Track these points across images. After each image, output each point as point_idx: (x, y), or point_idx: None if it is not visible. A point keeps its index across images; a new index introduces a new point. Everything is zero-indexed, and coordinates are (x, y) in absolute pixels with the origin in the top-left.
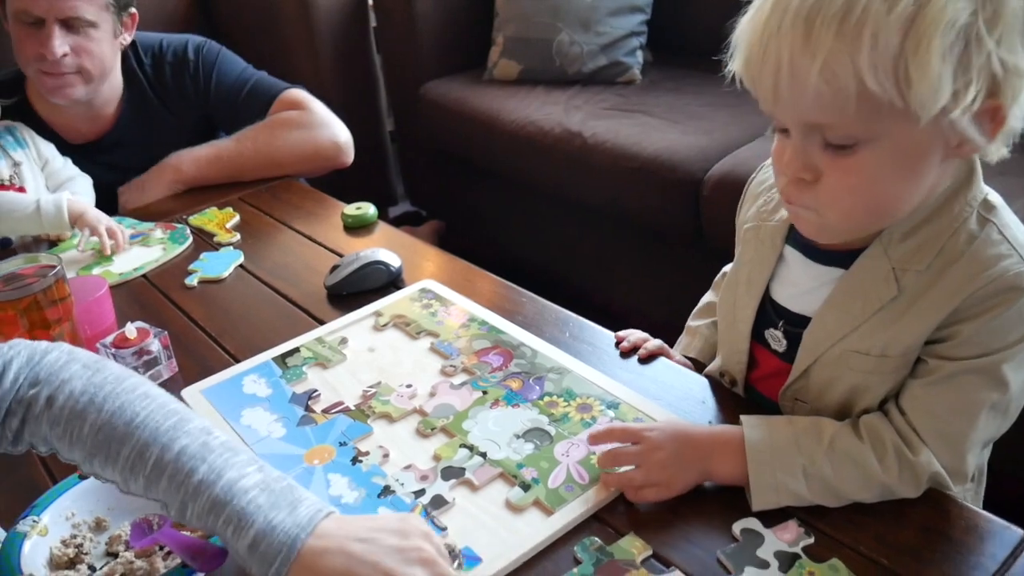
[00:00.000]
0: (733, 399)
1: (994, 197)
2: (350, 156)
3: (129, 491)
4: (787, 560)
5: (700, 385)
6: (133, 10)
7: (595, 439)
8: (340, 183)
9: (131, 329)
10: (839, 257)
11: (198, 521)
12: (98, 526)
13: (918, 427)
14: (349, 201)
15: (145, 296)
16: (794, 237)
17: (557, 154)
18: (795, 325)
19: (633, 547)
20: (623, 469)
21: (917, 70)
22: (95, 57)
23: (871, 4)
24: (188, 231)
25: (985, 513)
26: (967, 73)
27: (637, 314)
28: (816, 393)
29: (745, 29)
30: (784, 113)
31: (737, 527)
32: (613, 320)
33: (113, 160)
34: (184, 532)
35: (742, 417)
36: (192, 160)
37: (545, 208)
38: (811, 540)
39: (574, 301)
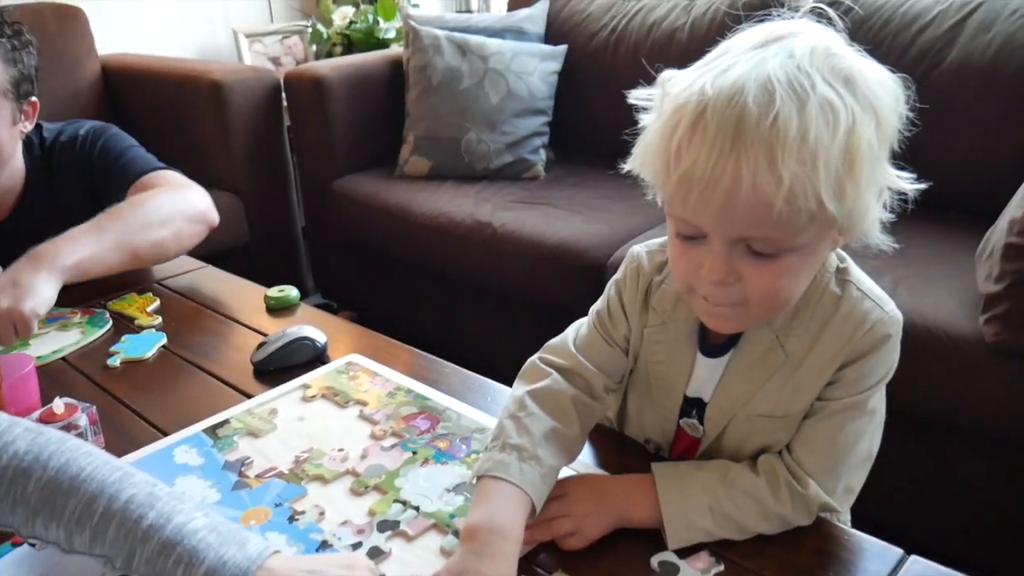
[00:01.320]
0: (643, 452)
1: (845, 260)
2: (215, 215)
3: (73, 549)
4: None
5: (617, 443)
6: (34, 99)
7: None
8: (251, 276)
9: (59, 404)
10: (727, 345)
11: (147, 566)
12: None
13: (803, 463)
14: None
15: (66, 377)
16: (700, 336)
17: (468, 243)
18: (704, 410)
19: None
20: None
21: (854, 191)
22: None
23: (819, 132)
24: (107, 315)
25: (867, 536)
26: (879, 189)
27: None
28: (729, 456)
29: (672, 139)
30: (718, 226)
31: (655, 560)
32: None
33: (15, 249)
34: None
35: (653, 465)
36: (72, 258)
37: (457, 295)
38: (721, 568)
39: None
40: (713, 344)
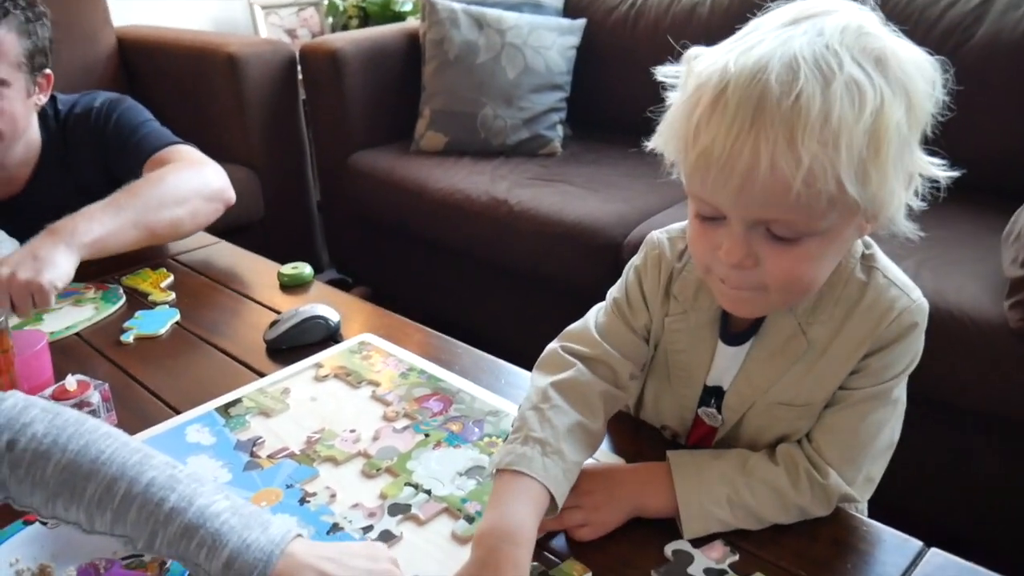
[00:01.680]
0: (659, 438)
1: (871, 245)
2: (231, 193)
3: (94, 530)
4: (715, 575)
5: (634, 429)
6: (48, 71)
7: None
8: (266, 251)
9: (71, 381)
10: (749, 332)
11: (168, 548)
12: (42, 573)
13: (824, 453)
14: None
15: (79, 353)
16: (722, 325)
17: (484, 220)
18: (723, 398)
19: (573, 571)
20: None
21: (879, 176)
22: (6, 116)
23: (843, 113)
24: (121, 291)
25: (886, 528)
26: (906, 174)
27: None
28: (747, 444)
29: (696, 118)
30: (736, 207)
31: (669, 548)
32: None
33: (30, 223)
34: (134, 575)
35: (669, 453)
36: (89, 236)
37: (472, 273)
38: (736, 558)
39: (501, 355)
40: (735, 332)
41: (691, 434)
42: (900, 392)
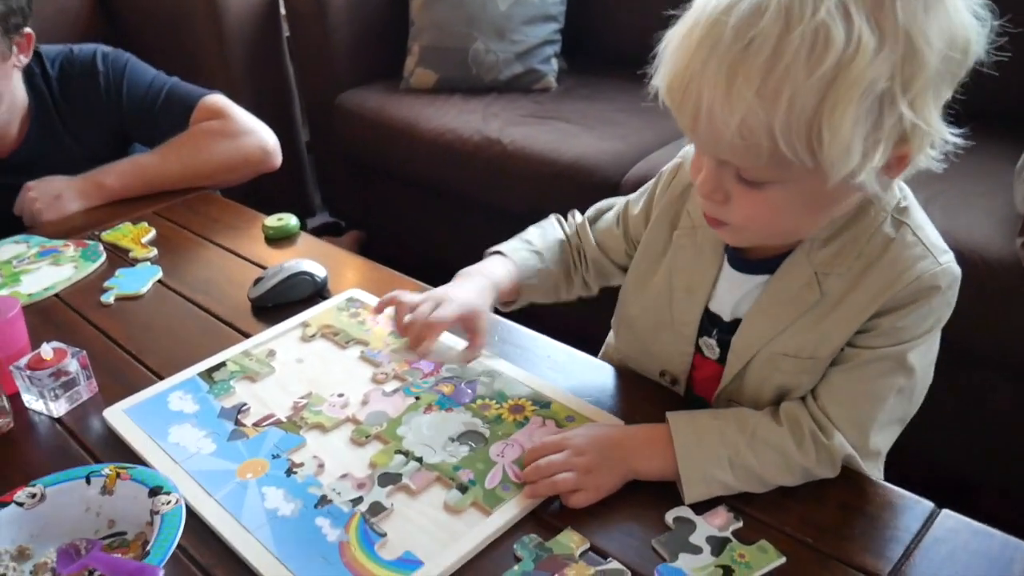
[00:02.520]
0: (659, 394)
1: (907, 198)
2: (279, 159)
3: None
4: (718, 544)
5: (631, 383)
6: (27, 30)
7: (527, 460)
8: (256, 195)
9: (47, 350)
10: (763, 264)
11: None
12: (21, 555)
13: (830, 413)
14: (266, 213)
15: (59, 316)
16: (727, 247)
17: (477, 161)
18: (726, 332)
19: (571, 541)
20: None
21: (830, 134)
22: None
23: (794, 63)
24: (101, 248)
25: (897, 489)
26: (877, 134)
27: (561, 315)
28: (750, 395)
29: (672, 52)
30: (701, 145)
31: (670, 516)
32: (539, 321)
33: (20, 181)
34: (115, 555)
35: (668, 414)
36: (116, 175)
37: (467, 215)
38: (740, 524)
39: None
40: (746, 259)
41: (693, 377)
42: (918, 360)
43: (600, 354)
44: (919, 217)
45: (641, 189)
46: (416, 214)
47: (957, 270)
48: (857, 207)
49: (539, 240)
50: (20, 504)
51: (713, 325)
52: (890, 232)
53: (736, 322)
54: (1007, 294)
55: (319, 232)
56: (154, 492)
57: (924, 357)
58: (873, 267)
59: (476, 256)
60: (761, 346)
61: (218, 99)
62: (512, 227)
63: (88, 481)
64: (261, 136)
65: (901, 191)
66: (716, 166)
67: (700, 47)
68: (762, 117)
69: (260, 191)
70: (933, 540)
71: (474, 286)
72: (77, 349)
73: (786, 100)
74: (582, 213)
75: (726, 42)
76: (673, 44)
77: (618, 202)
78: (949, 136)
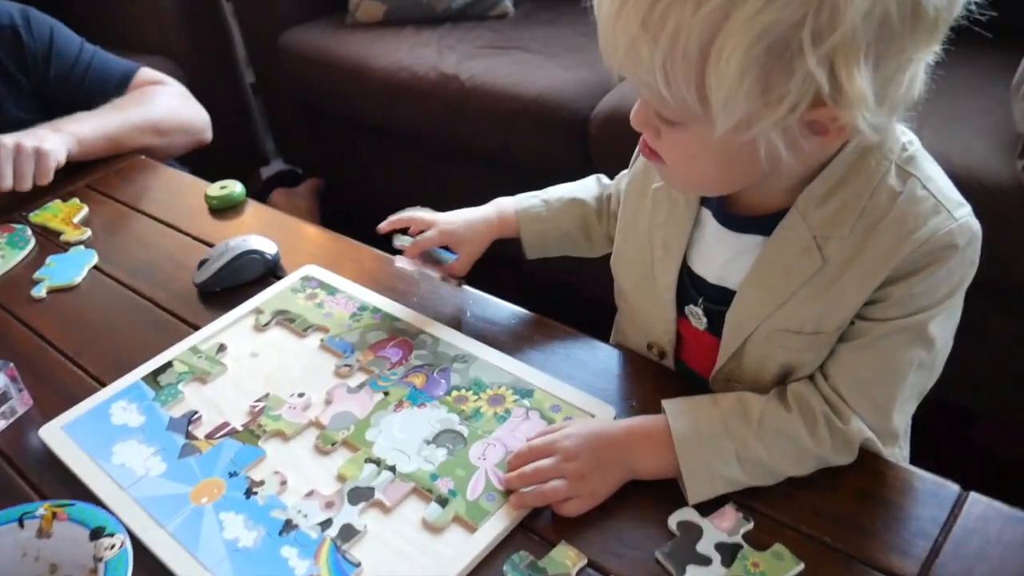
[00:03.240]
0: (652, 372)
1: (912, 144)
2: (210, 133)
3: None
4: (729, 552)
5: (616, 360)
6: None
7: (512, 466)
8: (203, 150)
9: None
10: (756, 223)
11: None
12: None
13: (845, 394)
14: (217, 170)
15: None
16: (709, 200)
17: (435, 100)
18: (714, 301)
19: (566, 558)
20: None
21: (715, 80)
22: None
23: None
24: (29, 232)
25: (918, 471)
26: (779, 89)
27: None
28: (751, 375)
29: None
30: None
31: (673, 520)
32: (511, 265)
33: None
34: None
35: (664, 404)
36: (80, 124)
37: (429, 158)
38: (751, 525)
39: None
40: (733, 215)
41: (682, 349)
42: (938, 329)
43: (611, 339)
44: (928, 167)
45: None
46: (375, 158)
47: (976, 225)
48: (855, 157)
49: (548, 193)
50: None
51: (697, 290)
52: (895, 185)
53: (722, 289)
54: (1007, 219)
55: (274, 182)
56: (96, 534)
57: (945, 326)
58: (879, 227)
59: (442, 202)
60: (759, 321)
61: (154, 72)
62: (478, 169)
63: (21, 524)
64: (199, 106)
65: (905, 135)
66: (641, 97)
67: None
68: (645, 51)
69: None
70: (963, 531)
71: (476, 213)
72: (3, 361)
73: (669, 34)
74: (553, 150)
75: None
76: None
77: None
78: (869, 114)
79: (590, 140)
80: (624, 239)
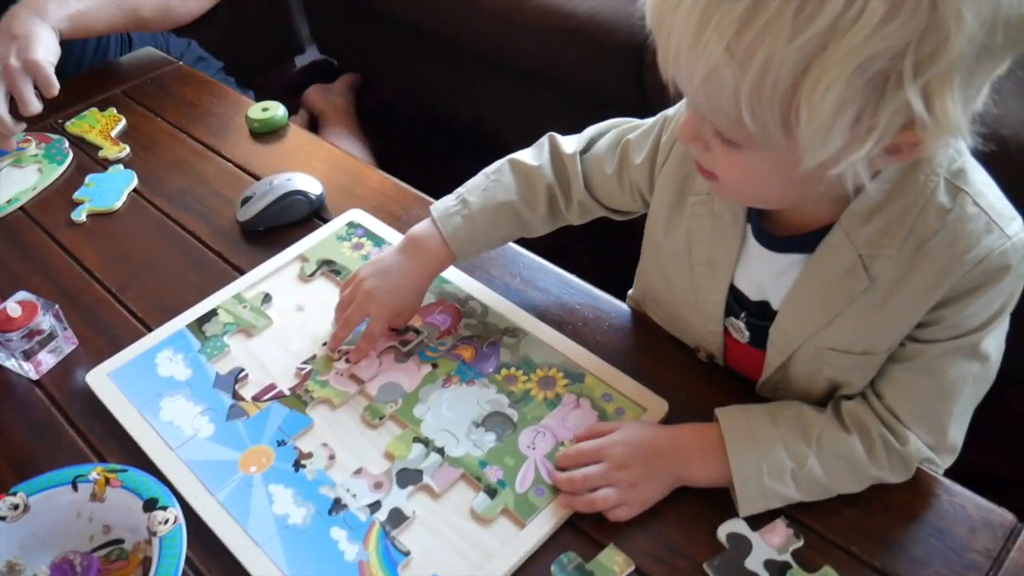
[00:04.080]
0: (700, 366)
1: (961, 155)
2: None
3: None
4: (778, 571)
5: (668, 346)
6: None
7: (561, 465)
8: (233, 35)
9: (13, 307)
10: (797, 241)
11: None
12: (11, 570)
13: (901, 414)
14: (252, 56)
15: (24, 236)
16: (750, 217)
17: (484, 6)
18: (757, 316)
19: (614, 563)
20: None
21: (808, 113)
22: None
23: (776, 21)
24: (67, 144)
25: (973, 497)
26: (871, 120)
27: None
28: (799, 388)
29: None
30: (676, 84)
31: (722, 532)
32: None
33: None
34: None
35: (718, 413)
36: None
37: (473, 65)
38: (800, 543)
39: None
40: (774, 235)
41: (728, 354)
42: (992, 344)
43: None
44: (978, 180)
45: (643, 128)
46: (415, 59)
47: None
48: (903, 171)
49: (478, 198)
50: (2, 518)
51: (739, 305)
52: (945, 202)
53: (763, 304)
54: None
55: (309, 74)
56: (149, 505)
57: (998, 338)
58: (929, 247)
59: (479, 112)
60: (803, 340)
61: None
62: (522, 84)
63: (75, 487)
64: None
65: (954, 147)
66: (694, 113)
67: None
68: (728, 79)
69: (239, 29)
70: (1015, 567)
71: (407, 274)
72: (49, 303)
73: (759, 64)
74: (602, 75)
75: None
76: None
77: (612, 129)
78: (969, 138)
79: (645, 68)
80: (657, 250)
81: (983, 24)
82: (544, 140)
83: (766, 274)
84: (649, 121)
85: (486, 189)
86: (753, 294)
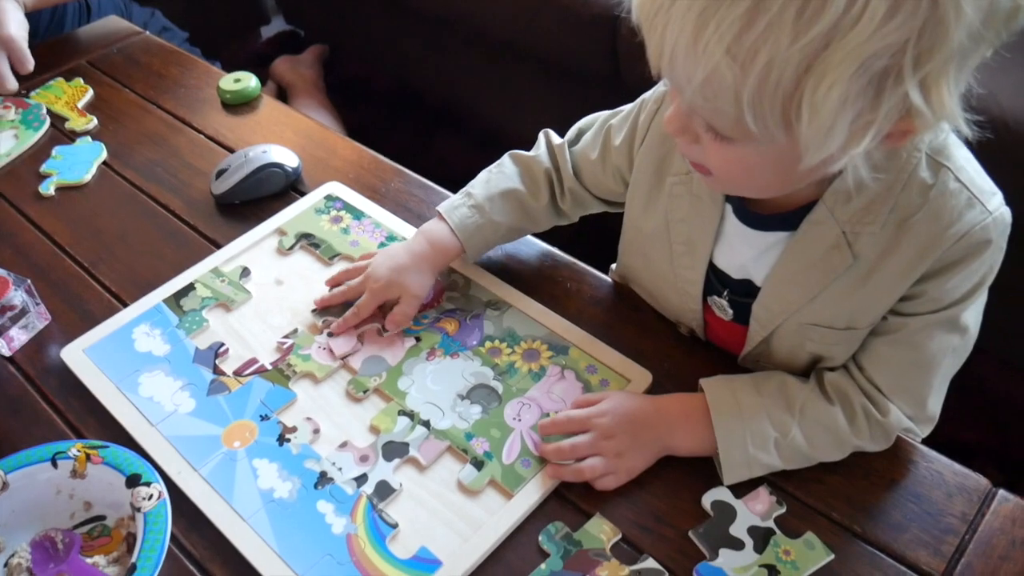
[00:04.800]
0: (682, 337)
1: (945, 133)
2: None
3: None
4: (761, 537)
5: (652, 317)
6: None
7: (544, 433)
8: (197, 1)
9: None
10: (780, 219)
11: None
12: None
13: (881, 386)
14: (216, 26)
15: None
16: (731, 197)
17: None
18: (740, 294)
19: (601, 532)
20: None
21: (810, 112)
22: None
23: (778, 22)
24: (44, 110)
25: (950, 463)
26: (870, 115)
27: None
28: (780, 360)
29: None
30: (669, 82)
31: (707, 500)
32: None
33: None
34: (96, 558)
35: (703, 383)
36: None
37: (446, 37)
38: (783, 510)
39: (481, 136)
40: (755, 212)
41: (709, 330)
42: (971, 317)
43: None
44: (960, 155)
45: (623, 112)
46: (385, 30)
47: (1008, 214)
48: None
49: (482, 189)
50: None
51: (721, 283)
52: (927, 178)
53: (747, 282)
54: None
55: (275, 46)
56: (132, 481)
57: (977, 311)
58: (911, 222)
59: (451, 85)
60: (787, 316)
61: None
62: (494, 55)
63: (55, 464)
64: None
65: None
66: (685, 107)
67: None
68: (729, 80)
69: None
70: (989, 531)
71: (412, 255)
72: (21, 278)
73: (761, 66)
74: (575, 47)
75: None
76: None
77: (599, 119)
78: (963, 125)
79: (619, 40)
80: (636, 230)
81: (981, 15)
82: (540, 136)
83: (748, 252)
84: (629, 107)
85: (488, 181)
86: (735, 272)
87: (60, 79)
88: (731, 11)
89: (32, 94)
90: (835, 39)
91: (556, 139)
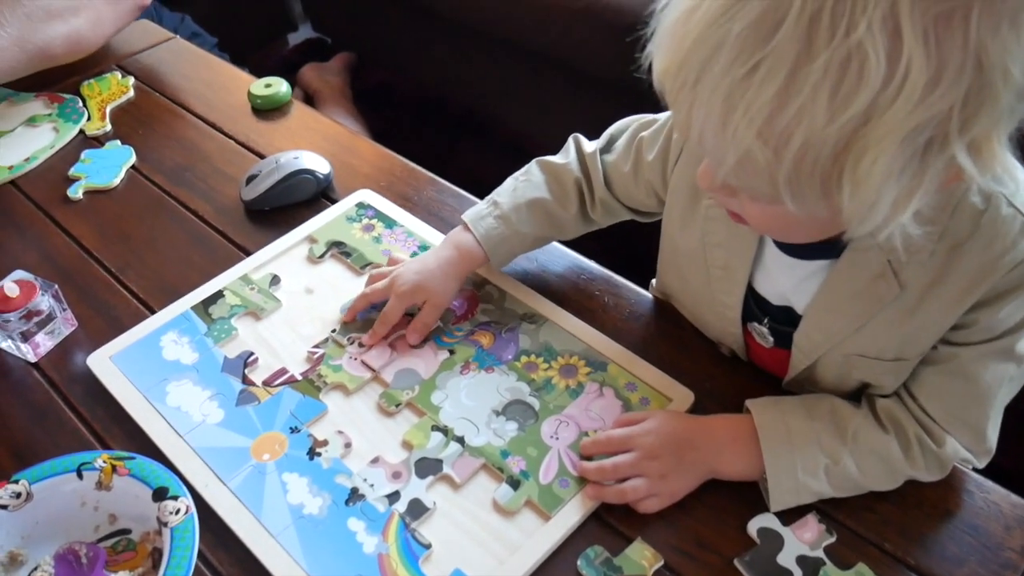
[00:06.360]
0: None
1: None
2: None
3: None
4: (811, 567)
5: (692, 334)
6: None
7: (586, 452)
8: (226, 6)
9: (10, 287)
10: (821, 247)
11: None
12: (13, 561)
13: (936, 416)
14: (243, 33)
15: (19, 213)
16: None
17: None
18: (780, 321)
19: (643, 558)
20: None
21: (851, 187)
22: None
23: (812, 103)
24: (80, 104)
25: (1007, 494)
26: (915, 181)
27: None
28: (825, 386)
29: (665, 34)
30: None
31: (753, 526)
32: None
33: None
34: (119, 574)
35: (751, 407)
36: None
37: (473, 45)
38: (833, 539)
39: (508, 144)
40: (795, 244)
41: (750, 353)
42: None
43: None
44: (1014, 177)
45: (656, 125)
46: (412, 38)
47: None
48: None
49: (508, 199)
50: (4, 507)
51: (761, 310)
52: (978, 203)
53: (787, 309)
54: None
55: (302, 52)
56: (159, 494)
57: None
58: (962, 250)
59: (479, 93)
60: (831, 346)
61: None
62: (528, 63)
63: (80, 475)
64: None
65: None
66: (720, 179)
67: (695, 49)
68: (762, 163)
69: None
70: None
71: (439, 261)
72: (48, 283)
73: (795, 149)
74: (608, 57)
75: (725, 59)
76: (667, 22)
77: (631, 126)
78: (1019, 173)
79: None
80: (673, 249)
81: None
82: (569, 141)
83: (788, 280)
84: (662, 117)
85: (515, 189)
86: (775, 299)
87: (116, 73)
88: (760, 93)
89: (84, 84)
90: (875, 116)
91: (587, 146)
